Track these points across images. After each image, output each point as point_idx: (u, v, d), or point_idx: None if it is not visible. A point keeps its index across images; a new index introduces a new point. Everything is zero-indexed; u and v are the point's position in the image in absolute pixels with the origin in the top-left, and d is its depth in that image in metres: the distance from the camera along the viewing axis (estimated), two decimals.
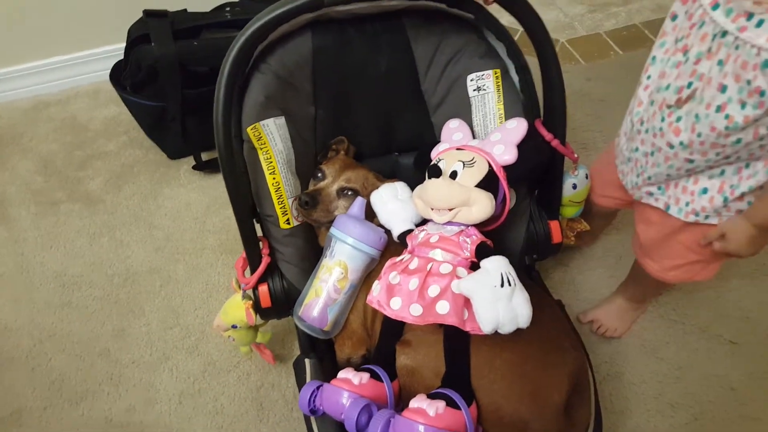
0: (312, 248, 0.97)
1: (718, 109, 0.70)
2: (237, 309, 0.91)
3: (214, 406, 1.06)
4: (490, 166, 0.84)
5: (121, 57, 1.39)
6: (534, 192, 1.01)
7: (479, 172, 0.83)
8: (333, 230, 0.89)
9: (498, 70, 0.95)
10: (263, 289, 0.90)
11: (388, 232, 0.91)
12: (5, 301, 1.24)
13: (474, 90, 0.97)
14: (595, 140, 1.47)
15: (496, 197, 0.84)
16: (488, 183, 0.83)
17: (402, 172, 1.09)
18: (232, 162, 0.85)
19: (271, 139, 0.91)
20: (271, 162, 0.91)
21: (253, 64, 0.90)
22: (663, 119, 0.79)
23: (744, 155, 0.75)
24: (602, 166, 1.02)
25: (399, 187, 0.94)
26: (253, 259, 0.90)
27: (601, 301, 1.16)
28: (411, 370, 0.79)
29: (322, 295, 0.86)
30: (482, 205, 0.81)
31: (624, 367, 1.08)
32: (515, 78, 0.96)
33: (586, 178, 1.00)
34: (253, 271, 0.90)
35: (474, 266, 0.80)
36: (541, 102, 0.93)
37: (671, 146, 0.78)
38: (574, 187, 0.99)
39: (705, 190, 0.81)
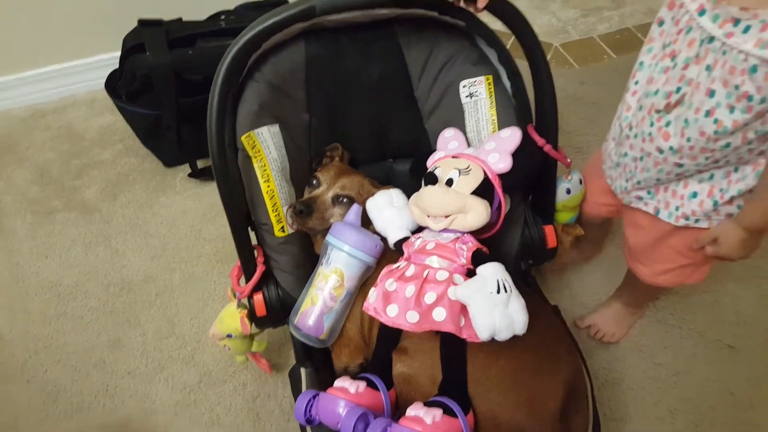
0: (308, 256, 0.96)
1: (707, 113, 0.71)
2: (232, 318, 0.90)
3: (210, 416, 1.06)
4: (485, 173, 0.84)
5: (117, 66, 1.40)
6: (528, 197, 1.01)
7: (475, 179, 0.83)
8: (329, 238, 0.89)
9: (490, 76, 0.95)
10: (258, 297, 0.90)
11: (384, 239, 0.91)
12: (0, 312, 1.23)
13: (467, 96, 0.97)
14: (589, 144, 1.47)
15: (491, 204, 0.84)
16: (484, 190, 0.83)
17: (397, 178, 1.08)
18: (226, 170, 0.85)
19: (266, 147, 0.91)
20: (266, 170, 0.91)
21: (247, 72, 0.91)
22: (652, 124, 0.79)
23: (733, 159, 0.75)
24: (590, 173, 1.02)
25: (394, 194, 0.94)
26: (247, 267, 0.89)
27: (598, 306, 1.16)
28: (408, 378, 0.79)
29: (318, 303, 0.85)
30: (478, 212, 0.81)
31: (622, 372, 1.08)
32: (507, 84, 0.96)
33: (580, 183, 1.00)
34: (247, 280, 0.90)
35: (470, 273, 0.80)
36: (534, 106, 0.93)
37: (661, 151, 0.79)
38: (568, 192, 0.99)
39: (695, 194, 0.81)
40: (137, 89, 1.35)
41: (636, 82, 0.82)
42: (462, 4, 0.88)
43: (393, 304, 0.78)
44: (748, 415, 1.02)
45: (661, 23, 0.77)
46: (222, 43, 1.35)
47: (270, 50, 0.92)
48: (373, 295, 0.82)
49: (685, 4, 0.71)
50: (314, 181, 0.96)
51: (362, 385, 0.77)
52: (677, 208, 0.84)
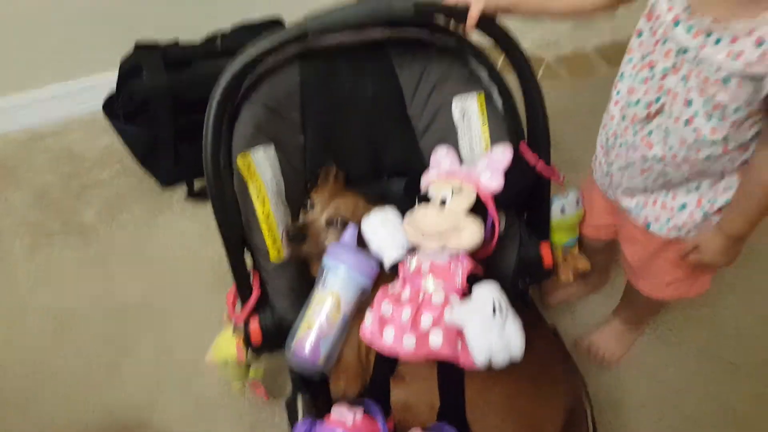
0: (304, 279, 0.96)
1: (686, 122, 0.73)
2: (228, 344, 0.90)
3: None
4: (478, 192, 0.84)
5: (115, 87, 1.40)
6: (523, 215, 1.01)
7: (468, 198, 0.83)
8: (325, 259, 0.89)
9: (482, 94, 0.96)
10: (254, 324, 0.89)
11: (379, 261, 0.91)
12: None
13: (459, 114, 0.98)
14: (584, 158, 1.46)
15: (485, 223, 0.83)
16: (477, 210, 0.83)
17: (392, 195, 1.08)
18: (222, 193, 0.85)
19: (261, 169, 0.91)
20: (261, 192, 0.91)
21: (242, 94, 0.91)
22: (635, 133, 0.80)
23: (717, 169, 0.77)
24: (586, 192, 1.02)
25: (389, 214, 0.94)
26: (243, 292, 0.89)
27: (597, 324, 1.15)
28: (406, 405, 0.78)
29: (315, 329, 0.85)
30: (472, 231, 0.81)
31: (623, 392, 1.07)
32: (498, 101, 0.97)
33: (577, 203, 1.00)
34: (243, 305, 0.89)
35: (466, 293, 0.79)
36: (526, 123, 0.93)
37: (645, 160, 0.80)
38: (563, 210, 0.98)
39: (684, 206, 0.82)
40: (135, 111, 1.35)
41: (618, 92, 0.83)
42: (452, 25, 0.90)
43: (389, 327, 0.78)
44: None
45: (639, 34, 0.78)
46: (218, 63, 1.36)
47: (265, 72, 0.92)
48: (368, 318, 0.81)
49: (661, 15, 0.73)
50: (309, 204, 0.96)
51: (360, 412, 0.76)
52: (668, 221, 0.85)
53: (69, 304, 1.27)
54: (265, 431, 1.05)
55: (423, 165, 1.02)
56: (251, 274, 0.92)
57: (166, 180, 1.49)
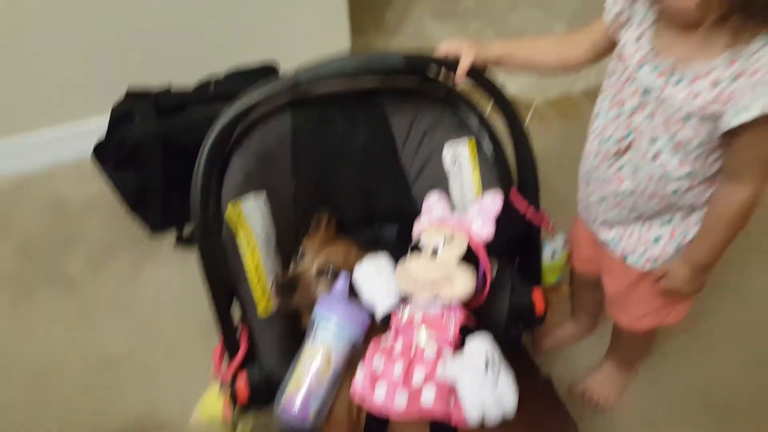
0: (295, 332, 0.93)
1: (653, 158, 0.77)
2: (214, 402, 0.86)
3: None
4: (470, 240, 0.83)
5: (105, 133, 1.40)
6: (515, 260, 1.01)
7: (459, 247, 0.83)
8: (316, 311, 0.87)
9: (472, 141, 0.98)
10: (241, 383, 0.86)
11: (371, 311, 0.89)
12: None
13: (450, 160, 0.99)
14: (573, 199, 1.47)
15: (477, 272, 0.83)
16: (469, 258, 0.83)
17: (385, 241, 1.08)
18: (209, 244, 0.84)
19: (251, 218, 0.90)
20: (251, 242, 0.90)
21: (233, 142, 0.91)
22: (608, 168, 0.84)
23: (687, 203, 0.80)
24: (574, 228, 1.04)
25: (382, 261, 0.93)
26: (230, 347, 0.87)
27: (592, 367, 1.15)
28: None
29: (304, 385, 0.82)
30: (464, 281, 0.81)
31: None
32: (489, 148, 0.98)
33: (565, 245, 1.01)
34: (230, 360, 0.86)
35: (459, 345, 0.78)
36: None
37: (617, 194, 0.84)
38: (553, 255, 0.99)
39: (658, 239, 0.85)
40: (125, 157, 1.35)
41: (594, 129, 0.87)
42: (442, 75, 0.92)
43: (381, 383, 0.76)
44: None
45: (611, 75, 0.83)
46: (211, 109, 1.36)
47: (257, 120, 0.93)
48: (360, 374, 0.79)
49: (628, 57, 0.77)
50: (299, 253, 0.95)
51: None
52: (644, 252, 0.87)
53: (52, 358, 1.23)
54: None
55: (415, 210, 1.01)
56: (239, 327, 0.90)
57: (155, 226, 1.47)
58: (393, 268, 0.90)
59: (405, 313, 0.83)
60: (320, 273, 0.92)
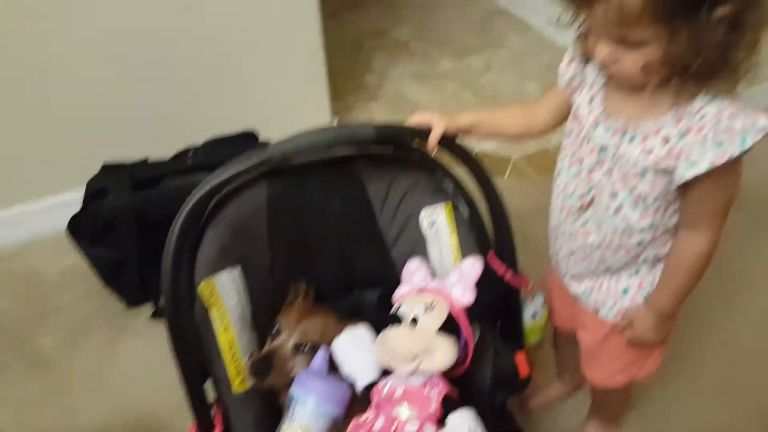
0: (272, 410, 0.89)
1: (615, 212, 0.79)
2: None
3: None
4: (450, 308, 0.82)
5: (80, 207, 1.39)
6: (496, 325, 0.99)
7: (440, 316, 0.81)
8: (293, 389, 0.83)
9: (449, 205, 0.98)
10: None
11: (351, 385, 0.86)
12: None
13: (428, 224, 0.99)
14: None
15: (459, 340, 0.81)
16: (450, 326, 0.81)
17: (366, 308, 1.05)
18: (180, 323, 0.81)
19: (225, 295, 0.88)
20: (225, 319, 0.87)
21: (207, 216, 0.90)
22: (573, 222, 0.86)
23: (651, 254, 0.82)
24: (550, 283, 1.04)
25: (362, 333, 0.90)
26: (204, 429, 0.83)
27: (579, 425, 1.14)
28: None
29: None
30: (445, 351, 0.79)
31: None
32: (465, 211, 0.98)
33: (544, 304, 1.00)
34: None
35: (442, 419, 0.76)
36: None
37: (584, 247, 0.86)
38: (534, 316, 0.98)
39: (626, 290, 0.87)
40: (99, 232, 1.33)
41: (557, 186, 0.89)
42: (415, 143, 0.93)
43: None
44: None
45: (569, 134, 0.86)
46: (188, 179, 1.36)
47: (231, 192, 0.92)
48: None
49: (583, 118, 0.80)
50: (275, 329, 0.92)
51: None
52: (614, 304, 0.88)
53: None
54: None
55: (395, 274, 1.00)
56: (213, 407, 0.86)
57: (132, 300, 1.44)
58: (373, 339, 0.88)
59: (386, 388, 0.80)
60: (297, 349, 0.89)
